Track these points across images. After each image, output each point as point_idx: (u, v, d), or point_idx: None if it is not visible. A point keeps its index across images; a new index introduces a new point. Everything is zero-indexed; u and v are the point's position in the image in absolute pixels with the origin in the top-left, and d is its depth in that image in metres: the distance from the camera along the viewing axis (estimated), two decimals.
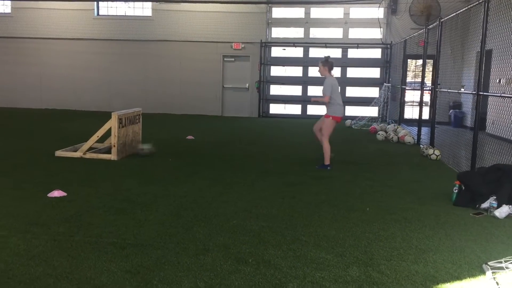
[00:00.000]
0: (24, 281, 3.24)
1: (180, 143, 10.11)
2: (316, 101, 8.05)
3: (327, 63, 7.61)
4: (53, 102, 17.46)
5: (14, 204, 5.11)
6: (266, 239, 4.24)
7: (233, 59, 16.86)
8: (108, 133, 8.22)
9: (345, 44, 16.36)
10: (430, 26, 10.79)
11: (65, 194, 5.55)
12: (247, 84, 16.87)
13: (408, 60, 14.30)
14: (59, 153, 8.19)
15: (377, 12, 15.81)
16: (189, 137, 10.94)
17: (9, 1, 17.20)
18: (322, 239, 4.28)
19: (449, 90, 9.21)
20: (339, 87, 7.91)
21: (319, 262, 3.71)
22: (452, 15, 8.90)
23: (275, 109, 17.15)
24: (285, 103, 16.93)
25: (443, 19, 9.44)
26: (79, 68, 17.34)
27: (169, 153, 8.82)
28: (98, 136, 8.24)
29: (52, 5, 16.84)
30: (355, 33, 16.52)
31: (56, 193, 5.53)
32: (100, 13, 17.33)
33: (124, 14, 17.21)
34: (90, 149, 8.35)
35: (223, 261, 3.70)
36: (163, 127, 12.99)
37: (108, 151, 8.38)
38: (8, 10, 17.49)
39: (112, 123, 8.05)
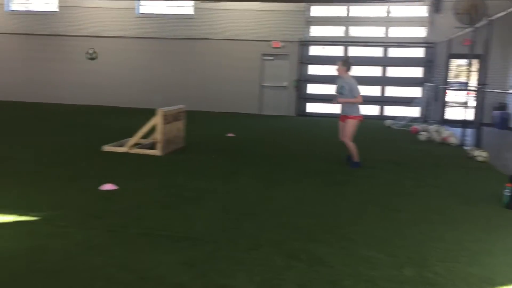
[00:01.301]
0: (87, 269, 3.38)
1: (221, 140, 10.23)
2: (346, 102, 7.43)
3: (347, 63, 7.54)
4: (97, 99, 17.91)
5: (69, 196, 5.30)
6: (316, 236, 4.27)
7: (272, 58, 16.90)
8: (152, 129, 8.41)
9: (385, 43, 16.16)
10: (478, 25, 10.54)
11: (116, 187, 5.71)
12: (286, 83, 16.88)
13: (451, 59, 14.00)
14: (106, 148, 8.43)
15: (420, 10, 15.54)
16: (230, 134, 11.05)
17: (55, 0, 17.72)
18: (371, 238, 4.27)
19: (497, 91, 8.98)
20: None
21: (372, 261, 3.71)
22: (501, 13, 8.68)
23: (312, 107, 17.09)
24: (322, 102, 16.84)
25: (492, 18, 9.21)
26: (122, 65, 17.73)
27: (211, 149, 8.95)
28: (143, 132, 8.43)
29: (97, 3, 17.28)
30: (397, 32, 16.29)
31: (108, 187, 5.70)
32: (141, 12, 17.67)
33: (165, 13, 17.50)
34: (135, 144, 8.55)
35: (276, 256, 3.75)
36: (203, 124, 13.16)
37: (152, 146, 8.56)
38: (55, 8, 18.04)
39: (158, 120, 8.22)
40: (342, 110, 7.60)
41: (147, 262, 3.56)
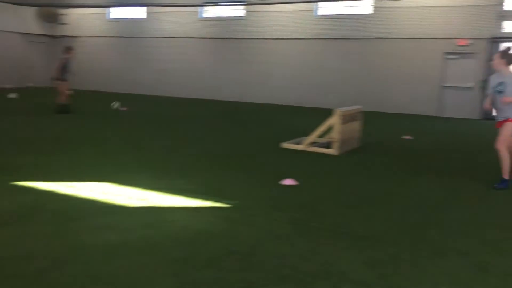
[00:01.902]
0: (275, 257, 3.64)
1: (396, 142, 9.96)
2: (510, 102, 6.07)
3: (507, 55, 6.18)
4: (274, 98, 18.89)
5: (254, 188, 5.74)
6: (508, 250, 3.93)
7: (457, 57, 15.80)
8: (328, 129, 8.57)
9: None
10: None
11: (296, 183, 6.00)
12: (470, 83, 15.64)
13: None
14: (284, 145, 8.86)
15: None
16: (406, 137, 10.69)
17: (243, 5, 19.14)
18: None
19: None
20: None
21: None
22: None
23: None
24: None
25: None
26: (298, 66, 18.40)
27: (387, 151, 8.78)
28: (320, 131, 8.66)
29: (277, 7, 18.19)
30: None
31: (288, 181, 6.01)
32: (319, 13, 18.06)
33: (342, 13, 17.61)
34: (312, 142, 8.82)
35: (462, 267, 3.56)
36: (377, 125, 12.94)
37: (328, 145, 8.74)
38: (241, 13, 19.49)
39: (335, 120, 8.36)
40: (501, 111, 6.23)
41: (328, 256, 3.69)
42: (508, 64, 6.23)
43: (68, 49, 12.73)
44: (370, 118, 14.24)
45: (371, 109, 16.69)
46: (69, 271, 3.23)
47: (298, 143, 8.91)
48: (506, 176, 6.18)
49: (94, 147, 8.01)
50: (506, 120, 6.17)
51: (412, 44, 16.30)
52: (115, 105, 11.88)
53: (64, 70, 12.50)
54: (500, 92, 6.13)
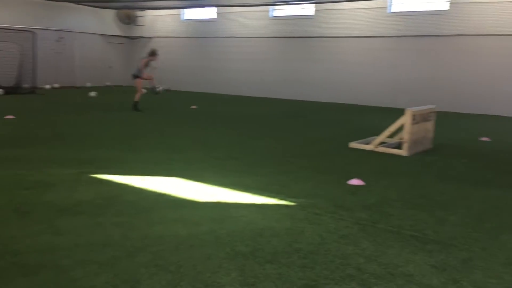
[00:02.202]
0: (338, 256, 3.61)
1: (473, 144, 9.49)
2: None
3: None
4: (343, 97, 18.64)
5: (320, 187, 5.70)
6: None
7: None
8: (399, 129, 8.33)
9: None
10: None
11: (363, 183, 5.89)
12: None
13: None
14: (352, 144, 8.72)
15: None
16: (484, 138, 10.15)
17: (313, 4, 19.04)
18: None
19: None
20: None
21: None
22: None
23: None
24: None
25: None
26: (368, 65, 18.02)
27: (461, 153, 8.39)
28: (390, 131, 8.44)
29: (350, 5, 17.90)
30: None
31: (355, 181, 5.92)
32: (393, 10, 17.57)
33: (417, 10, 17.02)
34: (381, 143, 8.62)
35: None
36: (453, 125, 12.40)
37: (398, 146, 8.50)
38: (311, 12, 19.40)
39: (406, 119, 8.11)
40: None
41: (395, 258, 3.60)
42: None
43: (153, 53, 13.16)
44: (445, 118, 13.70)
45: (447, 109, 16.04)
46: (139, 260, 3.38)
47: (367, 143, 8.73)
48: None
49: (165, 143, 8.31)
50: None
51: (492, 41, 15.44)
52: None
53: (144, 69, 13.04)
54: None
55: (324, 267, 3.39)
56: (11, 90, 17.83)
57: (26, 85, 19.06)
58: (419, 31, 16.70)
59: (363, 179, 6.03)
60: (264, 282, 3.13)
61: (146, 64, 13.08)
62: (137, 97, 13.09)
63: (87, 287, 2.98)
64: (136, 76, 13.08)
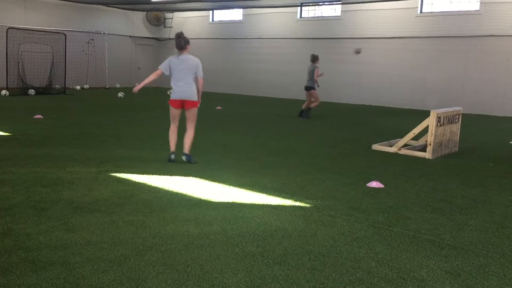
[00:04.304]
0: (350, 259, 3.53)
1: (502, 148, 9.19)
2: None
3: None
4: (369, 99, 18.39)
5: (338, 189, 5.61)
6: None
7: None
8: (423, 131, 8.15)
9: None
10: None
11: (382, 185, 5.77)
12: None
13: None
14: (375, 146, 8.58)
15: None
16: None
17: (339, 5, 18.87)
18: None
19: None
20: None
21: None
22: None
23: None
24: None
25: None
26: (396, 66, 17.72)
27: (488, 157, 8.14)
28: (414, 133, 8.26)
29: (378, 6, 17.65)
30: None
31: (374, 184, 5.81)
32: (423, 11, 17.23)
33: (448, 10, 16.64)
34: (405, 145, 8.45)
35: None
36: (481, 128, 12.06)
37: (422, 149, 8.32)
38: (338, 13, 19.23)
39: (430, 121, 7.92)
40: None
41: (408, 263, 3.50)
42: None
43: (316, 58, 13.13)
44: (474, 121, 13.36)
45: (477, 112, 15.64)
46: (147, 258, 3.39)
47: (390, 145, 8.58)
48: None
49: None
50: None
51: None
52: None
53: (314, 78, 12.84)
54: None
55: (333, 270, 3.33)
56: (42, 91, 18.30)
57: (57, 86, 19.54)
58: (448, 32, 16.31)
59: (383, 182, 5.91)
60: (271, 284, 3.09)
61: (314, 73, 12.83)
62: (314, 105, 13.17)
63: (94, 284, 3.00)
64: (310, 88, 13.01)
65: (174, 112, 6.72)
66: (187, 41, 6.60)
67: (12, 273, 3.11)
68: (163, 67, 6.66)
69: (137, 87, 6.90)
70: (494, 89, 15.64)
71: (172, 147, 6.80)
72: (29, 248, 3.50)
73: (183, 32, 6.83)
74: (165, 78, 7.29)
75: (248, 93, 21.82)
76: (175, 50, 6.68)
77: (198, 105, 6.71)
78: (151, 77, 6.76)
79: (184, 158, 6.73)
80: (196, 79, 6.64)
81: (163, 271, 3.20)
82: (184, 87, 6.56)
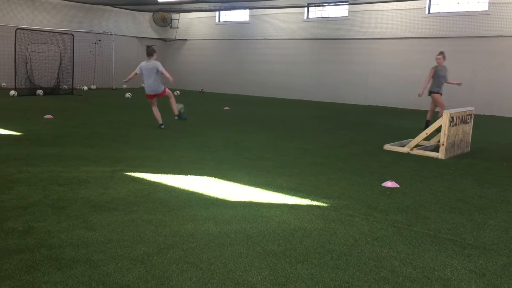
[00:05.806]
0: (373, 258, 3.51)
1: None
2: None
3: None
4: (377, 99, 18.34)
5: (354, 189, 5.59)
6: None
7: None
8: (435, 131, 8.12)
9: None
10: None
11: (398, 185, 5.75)
12: None
13: None
14: (387, 147, 8.55)
15: None
16: None
17: (347, 5, 18.83)
18: None
19: None
20: None
21: None
22: None
23: None
24: None
25: None
26: (403, 66, 17.67)
27: (501, 157, 8.11)
28: (426, 134, 8.23)
29: (385, 6, 17.62)
30: None
31: (390, 184, 5.78)
32: (431, 11, 17.18)
33: (456, 11, 16.59)
34: (417, 145, 8.42)
35: None
36: (494, 129, 12.01)
37: (435, 149, 8.29)
38: (345, 14, 19.21)
39: (443, 121, 7.89)
40: None
41: (432, 262, 3.48)
42: None
43: (441, 54, 11.01)
44: (486, 122, 13.32)
45: (486, 112, 15.58)
46: (170, 257, 3.38)
47: (402, 145, 8.55)
48: None
49: (197, 143, 8.35)
50: None
51: None
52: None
53: (437, 81, 10.77)
54: None
55: (357, 269, 3.31)
56: (50, 91, 18.35)
57: (64, 87, 19.59)
58: (457, 32, 16.26)
59: (398, 181, 5.89)
60: (296, 282, 3.07)
61: (434, 73, 10.88)
62: (440, 112, 10.10)
63: (119, 282, 2.99)
64: (434, 92, 10.81)
65: (150, 100, 10.00)
66: (154, 51, 9.70)
67: (37, 270, 3.10)
68: (137, 70, 9.79)
69: (126, 80, 10.14)
70: (503, 90, 15.58)
71: (159, 120, 9.90)
72: (52, 246, 3.50)
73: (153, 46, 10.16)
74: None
75: (255, 93, 21.82)
76: (146, 57, 9.68)
77: (166, 90, 9.79)
78: (132, 74, 10.00)
79: (176, 118, 10.32)
80: (161, 75, 9.57)
81: (186, 269, 3.20)
82: (152, 84, 9.67)
